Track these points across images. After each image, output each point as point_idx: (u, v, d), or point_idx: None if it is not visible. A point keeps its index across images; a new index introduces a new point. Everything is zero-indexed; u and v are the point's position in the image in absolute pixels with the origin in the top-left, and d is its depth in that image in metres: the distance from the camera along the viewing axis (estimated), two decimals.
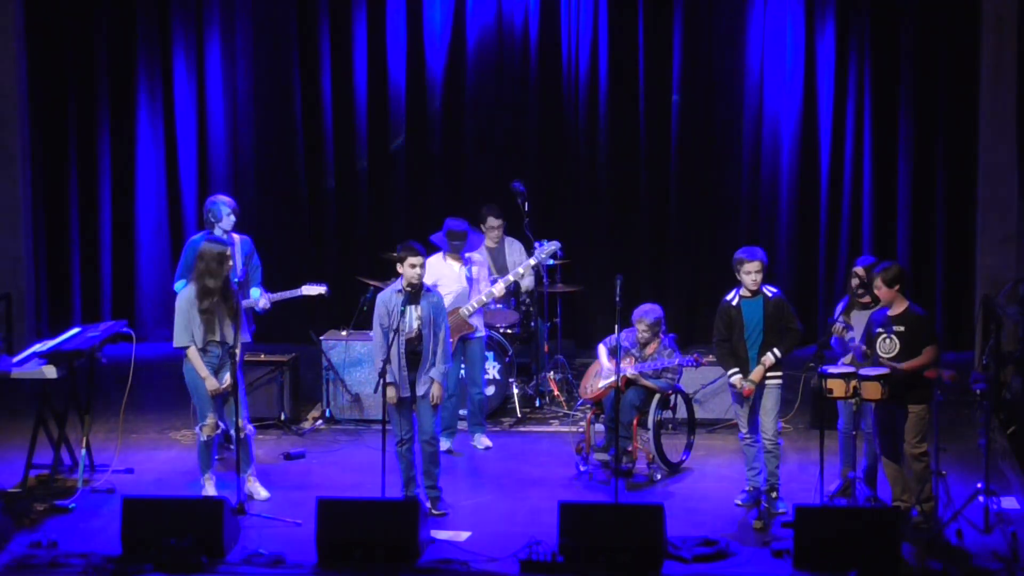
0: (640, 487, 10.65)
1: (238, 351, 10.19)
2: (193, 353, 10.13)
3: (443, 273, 11.41)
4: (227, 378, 10.15)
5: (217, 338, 10.14)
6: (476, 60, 15.14)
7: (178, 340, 10.18)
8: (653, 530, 8.99)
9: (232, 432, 10.22)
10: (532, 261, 12.12)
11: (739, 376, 10.03)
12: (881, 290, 9.70)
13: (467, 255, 11.66)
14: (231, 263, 10.31)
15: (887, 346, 9.66)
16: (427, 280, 11.32)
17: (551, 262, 12.41)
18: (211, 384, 10.11)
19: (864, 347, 9.82)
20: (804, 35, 14.77)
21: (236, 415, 10.13)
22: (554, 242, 12.11)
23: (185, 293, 10.22)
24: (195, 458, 10.44)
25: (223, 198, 11.46)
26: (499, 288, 11.76)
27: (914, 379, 9.57)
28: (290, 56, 15.22)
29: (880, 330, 9.69)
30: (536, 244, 12.21)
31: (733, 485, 10.50)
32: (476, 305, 11.52)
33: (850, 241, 14.83)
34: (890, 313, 9.71)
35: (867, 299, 10.13)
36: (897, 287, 9.67)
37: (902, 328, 9.64)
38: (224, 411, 10.20)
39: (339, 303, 13.88)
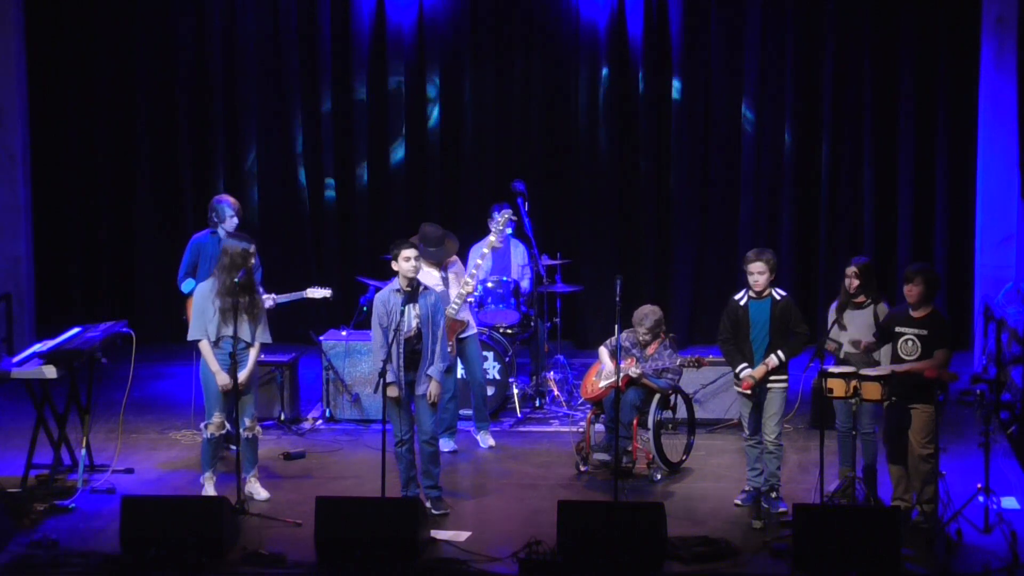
0: (640, 487, 10.65)
1: (257, 349, 10.19)
2: (205, 347, 10.12)
3: (422, 278, 11.33)
4: (241, 376, 10.13)
5: (231, 334, 10.13)
6: (477, 60, 15.14)
7: (192, 333, 10.18)
8: (653, 530, 8.99)
9: (241, 432, 10.18)
10: (492, 237, 11.90)
11: (749, 370, 10.01)
12: (919, 287, 9.62)
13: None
14: (254, 259, 10.30)
15: (908, 348, 9.64)
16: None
17: (509, 230, 12.22)
18: (222, 379, 10.07)
19: (873, 341, 9.79)
20: (804, 34, 14.79)
21: (238, 414, 10.11)
22: (504, 210, 12.00)
23: (203, 287, 10.21)
24: (195, 458, 10.44)
25: (228, 199, 11.47)
26: (468, 285, 11.59)
27: (920, 380, 9.56)
28: (291, 54, 15.23)
29: (901, 330, 9.65)
30: (491, 221, 12.03)
31: (733, 485, 10.50)
32: (459, 301, 11.44)
33: (850, 241, 14.84)
34: (915, 315, 9.68)
35: (861, 299, 10.11)
36: (931, 291, 9.63)
37: (925, 332, 9.62)
38: (236, 410, 10.18)
39: (339, 303, 13.88)
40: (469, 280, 11.51)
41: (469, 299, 11.62)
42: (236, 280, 10.03)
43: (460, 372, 11.72)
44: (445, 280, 11.49)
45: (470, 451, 11.66)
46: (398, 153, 15.32)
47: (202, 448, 10.32)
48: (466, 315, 11.56)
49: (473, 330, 11.67)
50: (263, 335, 10.26)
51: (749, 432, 10.14)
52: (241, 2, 15.20)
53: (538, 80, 15.15)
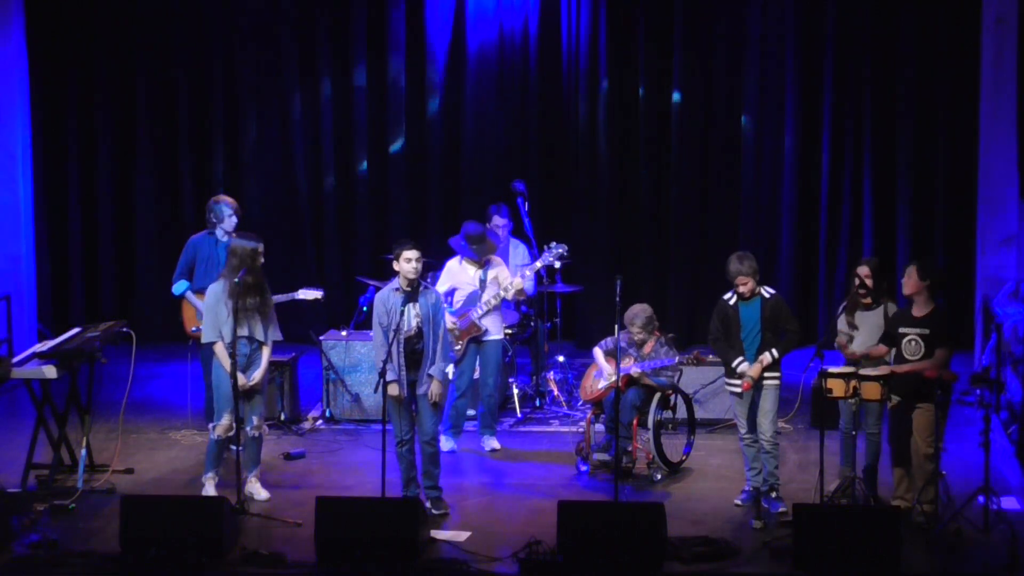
0: (640, 487, 10.65)
1: (269, 348, 10.20)
2: (220, 349, 10.10)
3: (459, 278, 11.41)
4: (255, 375, 10.15)
5: (246, 334, 10.13)
6: (477, 60, 15.15)
7: (206, 335, 10.18)
8: (653, 530, 8.99)
9: (249, 431, 10.18)
10: (538, 264, 12.08)
11: (746, 364, 9.98)
12: (912, 278, 9.61)
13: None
14: (263, 258, 10.30)
15: (912, 348, 9.63)
16: (443, 285, 11.28)
17: (557, 264, 12.35)
18: (240, 380, 10.07)
19: (882, 347, 9.77)
20: (804, 35, 14.79)
21: (247, 412, 10.10)
22: (561, 245, 12.06)
23: (215, 288, 10.21)
24: (195, 458, 10.43)
25: (226, 199, 11.48)
26: (511, 291, 11.54)
27: (922, 379, 9.55)
28: (291, 55, 15.23)
29: (904, 330, 9.64)
30: (545, 249, 12.10)
31: (733, 485, 10.50)
32: (485, 308, 11.46)
33: (850, 241, 14.83)
34: (916, 314, 9.66)
35: (869, 300, 10.10)
36: (928, 282, 9.61)
37: (927, 331, 9.60)
38: (245, 409, 10.17)
39: (339, 303, 13.88)
40: (516, 287, 11.44)
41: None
42: (236, 280, 10.04)
43: (475, 373, 11.66)
44: (483, 283, 11.48)
45: (471, 451, 11.65)
46: (398, 153, 15.31)
47: (208, 448, 10.32)
48: (488, 323, 11.50)
49: (498, 335, 11.63)
50: (275, 333, 10.28)
51: (745, 430, 10.14)
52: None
53: (538, 80, 15.14)
